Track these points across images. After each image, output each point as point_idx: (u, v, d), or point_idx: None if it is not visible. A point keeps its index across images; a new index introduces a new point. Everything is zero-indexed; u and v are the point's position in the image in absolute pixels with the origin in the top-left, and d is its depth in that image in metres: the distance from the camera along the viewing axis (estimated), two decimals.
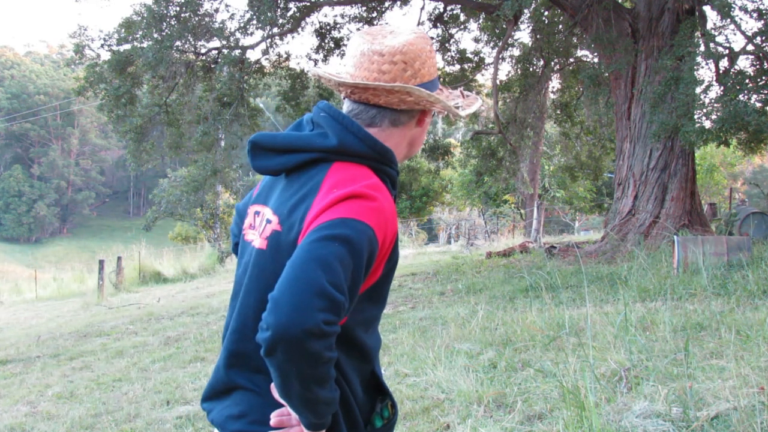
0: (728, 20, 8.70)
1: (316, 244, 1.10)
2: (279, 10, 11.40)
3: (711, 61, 8.66)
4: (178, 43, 11.08)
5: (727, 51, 8.69)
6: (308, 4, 12.28)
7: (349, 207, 1.16)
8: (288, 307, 1.04)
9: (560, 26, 13.38)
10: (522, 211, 23.22)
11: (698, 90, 8.54)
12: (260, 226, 1.33)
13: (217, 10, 11.76)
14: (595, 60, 13.01)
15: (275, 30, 12.08)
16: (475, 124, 17.28)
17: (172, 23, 11.03)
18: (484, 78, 17.04)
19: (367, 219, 1.15)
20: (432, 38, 14.34)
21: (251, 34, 11.83)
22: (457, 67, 14.95)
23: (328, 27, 13.22)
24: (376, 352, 1.36)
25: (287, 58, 13.51)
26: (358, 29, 13.44)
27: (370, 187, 1.21)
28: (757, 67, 8.76)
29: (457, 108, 1.35)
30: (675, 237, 7.77)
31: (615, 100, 11.35)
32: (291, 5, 12.05)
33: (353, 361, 1.28)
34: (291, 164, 1.29)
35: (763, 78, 8.34)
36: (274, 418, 1.23)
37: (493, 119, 13.51)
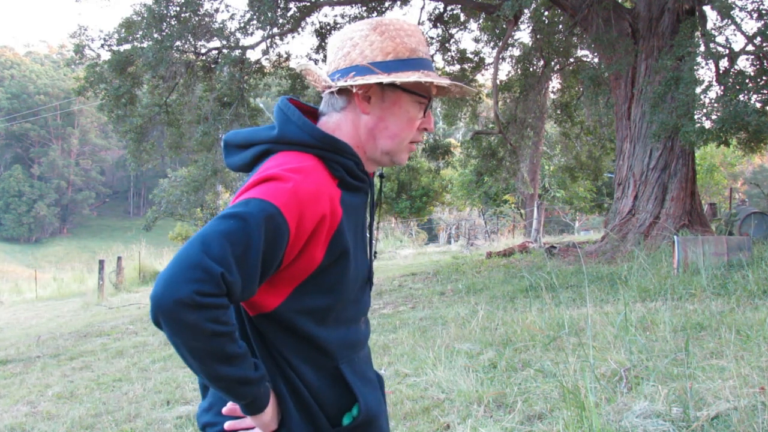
0: (728, 20, 8.70)
1: (209, 224, 1.13)
2: (279, 10, 11.40)
3: (711, 61, 8.66)
4: (178, 43, 11.08)
5: (727, 51, 8.70)
6: (308, 4, 12.28)
7: (259, 189, 1.16)
8: (162, 280, 1.06)
9: (560, 26, 13.38)
10: (522, 211, 23.22)
11: (698, 90, 8.54)
12: None
13: (217, 10, 11.77)
14: (595, 60, 13.01)
15: (275, 30, 12.08)
16: (476, 124, 17.29)
17: (172, 23, 11.03)
18: (484, 78, 17.06)
19: (272, 198, 1.14)
20: (432, 38, 14.42)
21: (251, 34, 11.84)
22: (457, 67, 14.94)
23: (328, 27, 13.22)
24: (343, 349, 1.31)
25: (287, 58, 13.51)
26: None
27: (291, 170, 1.19)
28: (757, 67, 8.76)
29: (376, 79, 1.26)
30: (675, 237, 7.77)
31: (615, 100, 11.35)
32: (291, 5, 12.06)
33: (303, 353, 1.26)
34: (248, 158, 1.31)
35: (763, 78, 8.34)
36: (227, 405, 1.28)
37: (494, 119, 13.51)
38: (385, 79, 1.25)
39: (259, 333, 1.26)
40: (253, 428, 1.26)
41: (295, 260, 1.20)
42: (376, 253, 1.46)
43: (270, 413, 1.24)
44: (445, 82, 1.29)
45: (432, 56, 14.44)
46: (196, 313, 1.05)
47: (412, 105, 1.31)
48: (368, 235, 1.38)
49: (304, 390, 1.27)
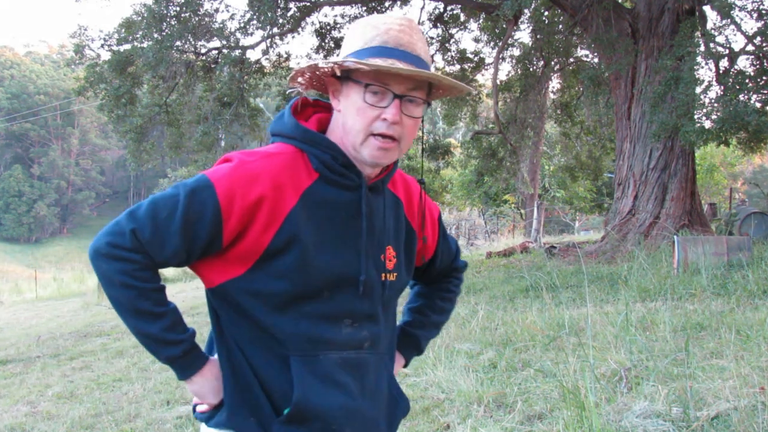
0: (728, 20, 8.70)
1: None
2: (279, 10, 11.40)
3: (711, 61, 8.66)
4: (178, 43, 11.08)
5: (727, 51, 8.70)
6: (308, 4, 12.28)
7: (213, 167, 1.27)
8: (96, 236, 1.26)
9: (560, 26, 13.38)
10: (522, 211, 23.22)
11: (698, 90, 8.54)
12: None
13: (217, 10, 11.77)
14: (595, 60, 13.02)
15: (275, 30, 12.08)
16: (476, 124, 17.29)
17: (172, 23, 11.03)
18: (484, 78, 17.07)
19: (211, 175, 1.23)
20: (432, 38, 14.42)
21: (251, 34, 11.85)
22: (457, 67, 14.95)
23: (328, 27, 13.22)
24: (301, 342, 1.26)
25: (287, 58, 13.51)
26: None
27: (249, 153, 1.27)
28: (757, 67, 8.76)
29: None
30: (675, 237, 7.77)
31: (615, 100, 11.35)
32: (291, 5, 12.06)
33: (254, 336, 1.27)
34: None
35: (763, 78, 8.34)
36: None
37: (494, 119, 13.51)
38: (320, 62, 1.26)
39: (213, 309, 1.31)
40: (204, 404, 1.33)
41: (238, 240, 1.23)
42: (386, 264, 1.35)
43: (204, 385, 1.30)
44: (380, 65, 1.19)
45: (432, 56, 14.48)
46: (108, 263, 1.21)
47: (359, 93, 1.23)
48: (364, 237, 1.29)
49: (249, 373, 1.27)
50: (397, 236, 1.39)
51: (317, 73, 1.30)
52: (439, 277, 1.59)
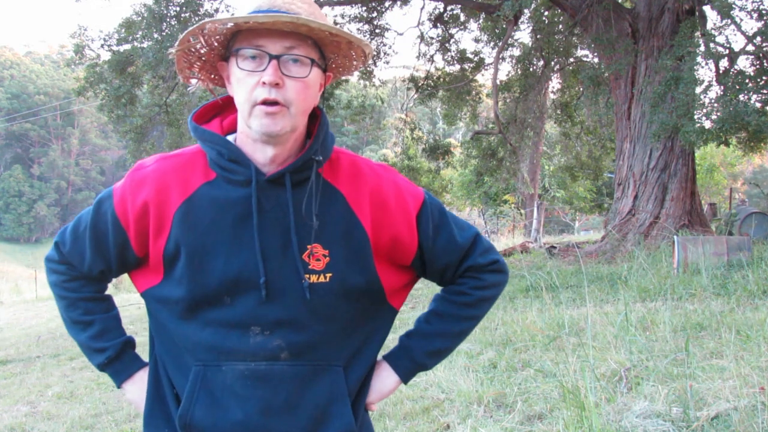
0: (728, 20, 8.70)
1: None
2: None
3: (711, 61, 8.66)
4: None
5: (727, 51, 8.69)
6: None
7: None
8: None
9: (560, 26, 13.39)
10: (522, 211, 23.22)
11: (698, 90, 8.54)
12: None
13: (217, 10, 11.76)
14: (595, 60, 13.01)
15: None
16: (476, 124, 17.29)
17: (173, 23, 11.03)
18: (484, 78, 17.05)
19: (115, 185, 1.26)
20: (432, 38, 14.43)
21: None
22: (457, 67, 14.95)
23: None
24: (202, 351, 1.19)
25: None
26: (358, 29, 13.52)
27: (152, 157, 1.27)
28: (757, 67, 8.76)
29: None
30: (675, 237, 7.77)
31: (615, 100, 11.35)
32: None
33: (168, 346, 1.25)
34: None
35: (763, 78, 8.33)
36: None
37: (494, 119, 13.51)
38: (177, 42, 1.17)
39: (150, 316, 1.31)
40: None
41: (149, 248, 1.22)
42: (312, 264, 1.19)
43: (135, 393, 1.34)
44: (230, 17, 1.11)
45: (432, 56, 14.49)
46: (48, 274, 1.34)
47: (236, 64, 1.14)
48: (255, 236, 1.17)
49: (166, 383, 1.26)
50: (330, 232, 1.20)
51: (201, 58, 1.21)
52: (452, 278, 1.36)
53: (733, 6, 8.45)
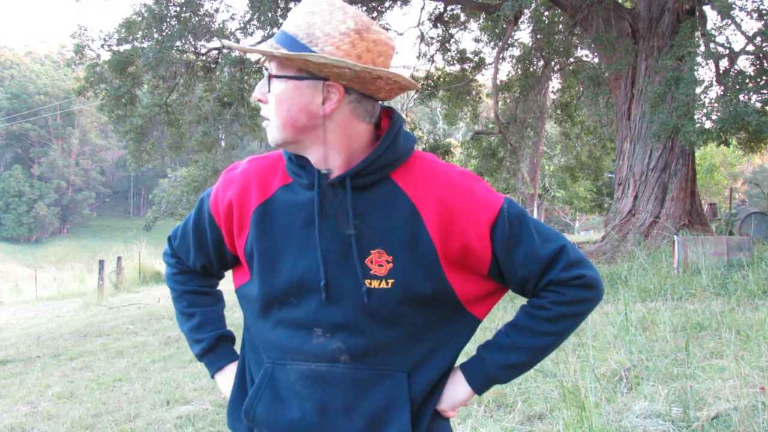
0: (728, 20, 8.69)
1: None
2: (279, 10, 11.39)
3: (711, 61, 8.65)
4: (178, 43, 11.07)
5: (727, 51, 8.69)
6: None
7: None
8: None
9: (560, 26, 13.38)
10: None
11: (698, 90, 8.54)
12: None
13: (217, 10, 11.77)
14: (595, 60, 13.01)
15: (275, 30, 12.07)
16: (476, 124, 17.29)
17: (173, 23, 11.03)
18: (484, 78, 17.06)
19: (214, 185, 1.34)
20: (432, 38, 14.43)
21: (251, 34, 11.83)
22: (457, 67, 14.95)
23: None
24: (272, 350, 1.25)
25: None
26: None
27: (245, 160, 1.33)
28: (757, 67, 8.76)
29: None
30: (675, 237, 7.77)
31: (615, 100, 11.35)
32: (291, 5, 12.05)
33: (250, 341, 1.33)
34: None
35: (763, 78, 8.33)
36: None
37: (494, 119, 13.51)
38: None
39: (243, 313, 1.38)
40: None
41: (236, 246, 1.30)
42: (373, 270, 1.19)
43: (223, 384, 1.40)
44: (232, 45, 1.22)
45: (432, 56, 14.48)
46: (165, 267, 1.47)
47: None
48: (317, 238, 1.19)
49: (248, 377, 1.33)
50: (396, 237, 1.19)
51: None
52: (534, 291, 1.33)
53: (733, 6, 8.45)
